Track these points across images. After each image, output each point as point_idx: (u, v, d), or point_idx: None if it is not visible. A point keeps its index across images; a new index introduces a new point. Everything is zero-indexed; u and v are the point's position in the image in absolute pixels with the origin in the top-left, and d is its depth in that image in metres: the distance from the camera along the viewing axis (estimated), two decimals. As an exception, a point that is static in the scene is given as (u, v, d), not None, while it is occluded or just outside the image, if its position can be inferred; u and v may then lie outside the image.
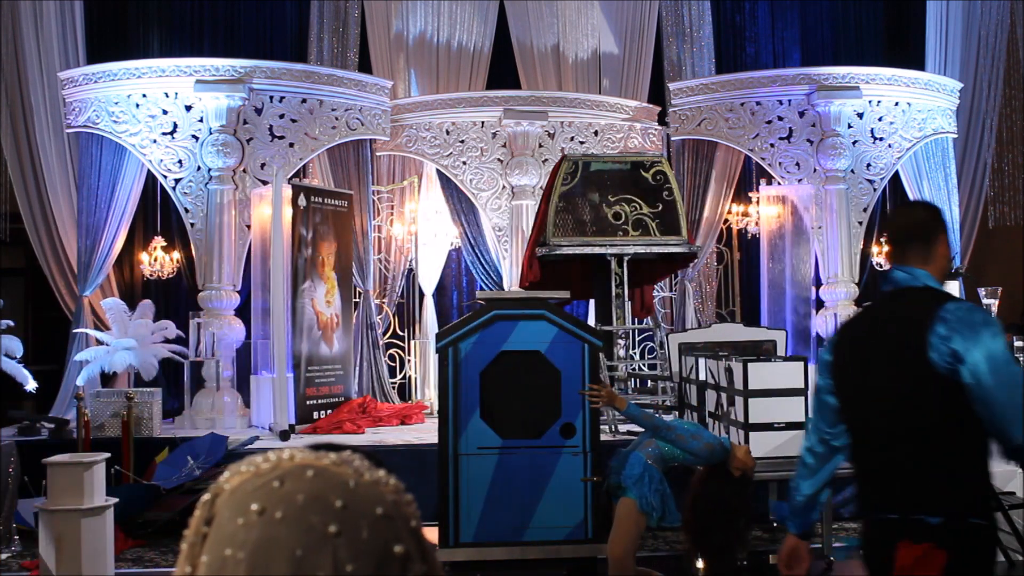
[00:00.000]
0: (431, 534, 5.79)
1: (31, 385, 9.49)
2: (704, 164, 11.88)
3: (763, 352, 8.31)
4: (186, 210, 10.40)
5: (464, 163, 11.40)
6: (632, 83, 12.61)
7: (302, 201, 10.13)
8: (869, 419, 2.88)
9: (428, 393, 11.35)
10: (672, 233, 9.51)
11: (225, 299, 10.33)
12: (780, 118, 11.28)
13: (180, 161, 10.36)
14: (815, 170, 11.19)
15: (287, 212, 9.91)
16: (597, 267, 9.70)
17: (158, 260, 11.34)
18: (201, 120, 10.33)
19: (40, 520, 5.84)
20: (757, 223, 11.99)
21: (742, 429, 6.61)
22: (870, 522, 2.87)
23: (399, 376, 11.82)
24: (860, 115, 11.27)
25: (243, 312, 10.59)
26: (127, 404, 8.49)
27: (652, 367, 10.37)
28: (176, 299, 11.76)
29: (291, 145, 10.61)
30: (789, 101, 11.26)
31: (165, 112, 10.33)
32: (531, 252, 9.57)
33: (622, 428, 8.57)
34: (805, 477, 3.10)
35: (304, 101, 10.67)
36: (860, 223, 11.37)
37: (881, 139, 11.36)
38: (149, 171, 10.60)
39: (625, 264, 9.41)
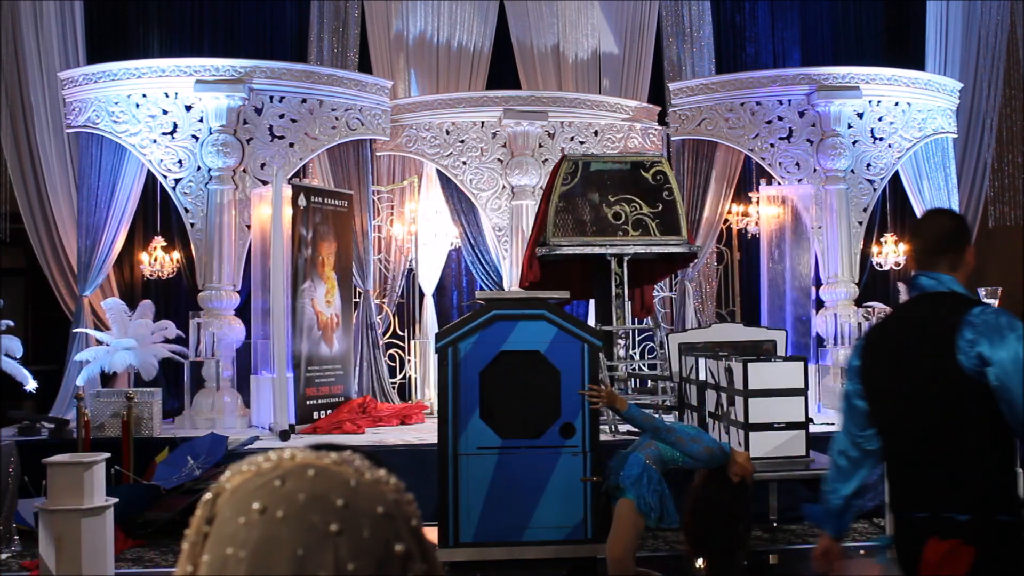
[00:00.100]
0: (431, 534, 5.79)
1: (31, 385, 9.49)
2: (704, 164, 11.88)
3: (763, 352, 8.31)
4: (186, 210, 10.40)
5: (464, 163, 11.40)
6: (632, 83, 12.61)
7: (302, 201, 10.13)
8: (899, 421, 2.96)
9: (428, 393, 11.35)
10: (672, 233, 9.52)
11: (225, 299, 10.34)
12: (780, 118, 11.29)
13: (180, 161, 10.36)
14: (815, 170, 11.19)
15: (287, 212, 9.92)
16: (597, 267, 9.70)
17: (158, 260, 11.34)
18: (201, 120, 10.33)
19: (40, 520, 5.84)
20: (757, 223, 11.99)
21: (742, 429, 6.61)
22: (902, 521, 2.95)
23: (399, 376, 11.82)
24: (860, 115, 11.27)
25: (243, 312, 10.60)
26: (127, 404, 8.49)
27: (652, 367, 10.37)
28: (176, 299, 11.76)
29: (291, 145, 10.61)
30: (789, 101, 11.26)
31: (165, 112, 10.34)
32: (531, 252, 9.58)
33: (622, 428, 8.57)
34: (839, 480, 3.16)
35: (304, 101, 10.67)
36: (860, 223, 11.37)
37: (881, 139, 11.36)
38: (149, 171, 10.60)
39: (625, 264, 9.41)
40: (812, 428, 7.40)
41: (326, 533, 0.86)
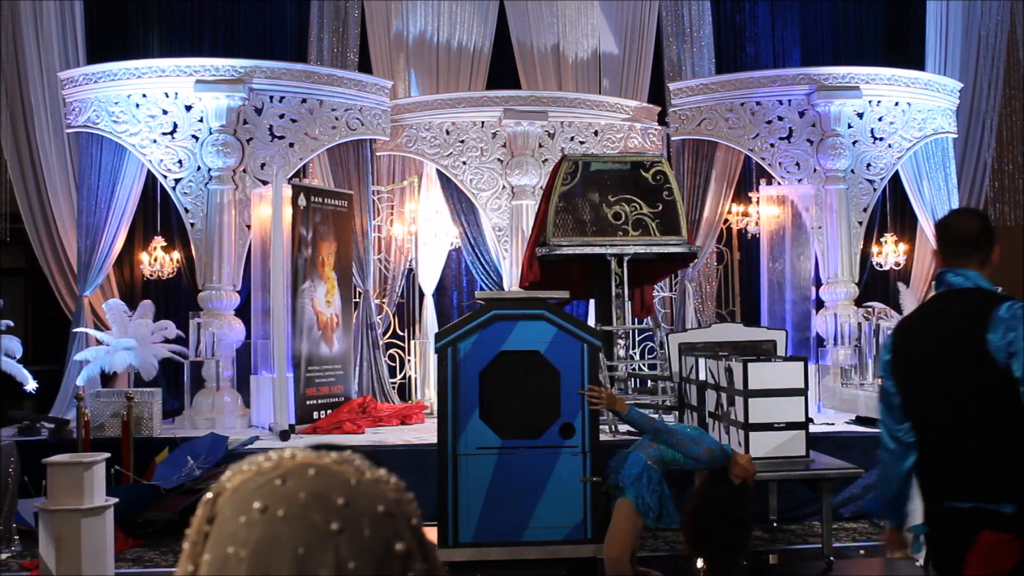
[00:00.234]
0: (431, 534, 5.79)
1: (31, 385, 9.49)
2: (704, 164, 11.88)
3: (763, 352, 8.31)
4: (186, 210, 10.40)
5: (464, 163, 11.40)
6: (632, 83, 12.61)
7: (302, 201, 10.13)
8: (933, 413, 3.08)
9: (428, 393, 11.35)
10: (672, 233, 9.51)
11: (225, 299, 10.34)
12: (780, 118, 11.29)
13: (180, 161, 10.36)
14: (815, 170, 11.19)
15: (287, 212, 9.92)
16: (597, 267, 9.70)
17: (158, 260, 11.35)
18: (201, 120, 10.33)
19: (40, 520, 5.85)
20: (757, 223, 11.99)
21: (742, 429, 6.61)
22: (939, 511, 3.03)
23: (399, 376, 11.82)
24: (860, 115, 11.27)
25: (243, 312, 10.60)
26: (127, 404, 8.50)
27: (652, 367, 10.37)
28: (176, 299, 11.76)
29: (291, 145, 10.61)
30: (789, 101, 11.26)
31: (165, 112, 10.34)
32: (531, 252, 9.57)
33: (622, 429, 8.56)
34: (888, 475, 3.27)
35: (304, 101, 10.68)
36: (860, 223, 11.37)
37: (881, 139, 11.36)
38: (149, 171, 10.60)
39: (625, 264, 9.41)
40: (812, 428, 7.41)
41: (327, 532, 0.86)
